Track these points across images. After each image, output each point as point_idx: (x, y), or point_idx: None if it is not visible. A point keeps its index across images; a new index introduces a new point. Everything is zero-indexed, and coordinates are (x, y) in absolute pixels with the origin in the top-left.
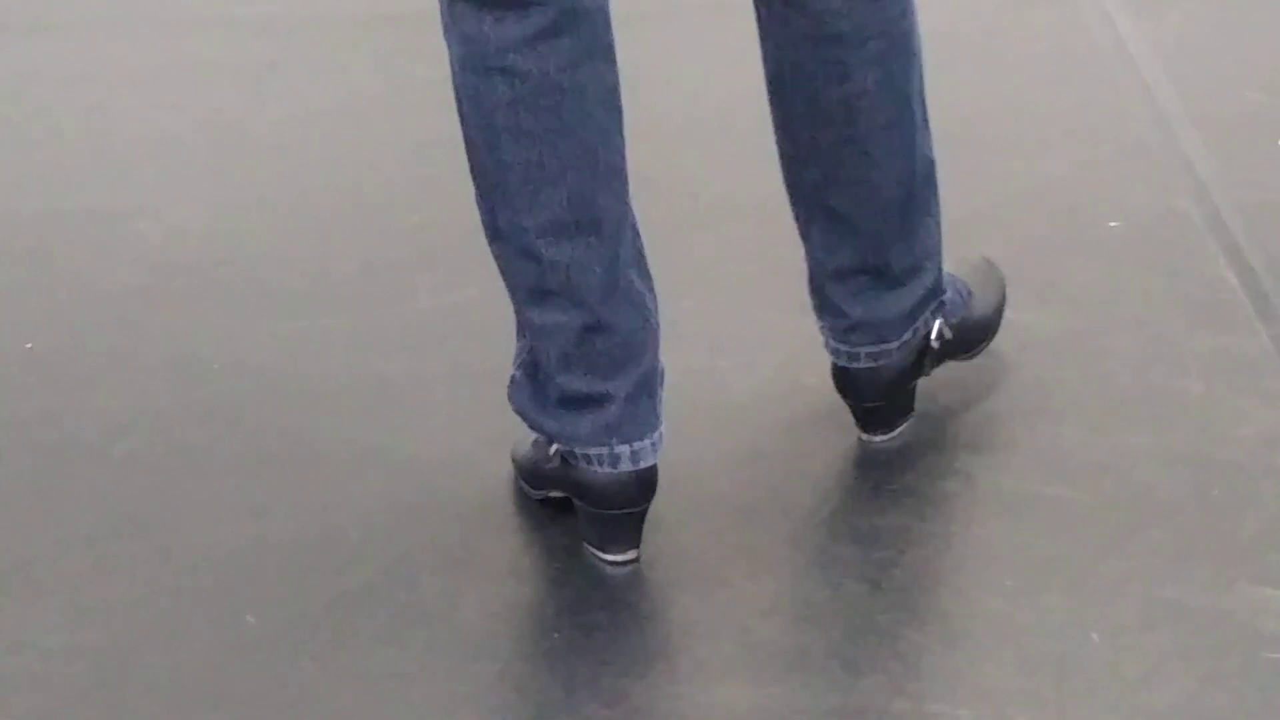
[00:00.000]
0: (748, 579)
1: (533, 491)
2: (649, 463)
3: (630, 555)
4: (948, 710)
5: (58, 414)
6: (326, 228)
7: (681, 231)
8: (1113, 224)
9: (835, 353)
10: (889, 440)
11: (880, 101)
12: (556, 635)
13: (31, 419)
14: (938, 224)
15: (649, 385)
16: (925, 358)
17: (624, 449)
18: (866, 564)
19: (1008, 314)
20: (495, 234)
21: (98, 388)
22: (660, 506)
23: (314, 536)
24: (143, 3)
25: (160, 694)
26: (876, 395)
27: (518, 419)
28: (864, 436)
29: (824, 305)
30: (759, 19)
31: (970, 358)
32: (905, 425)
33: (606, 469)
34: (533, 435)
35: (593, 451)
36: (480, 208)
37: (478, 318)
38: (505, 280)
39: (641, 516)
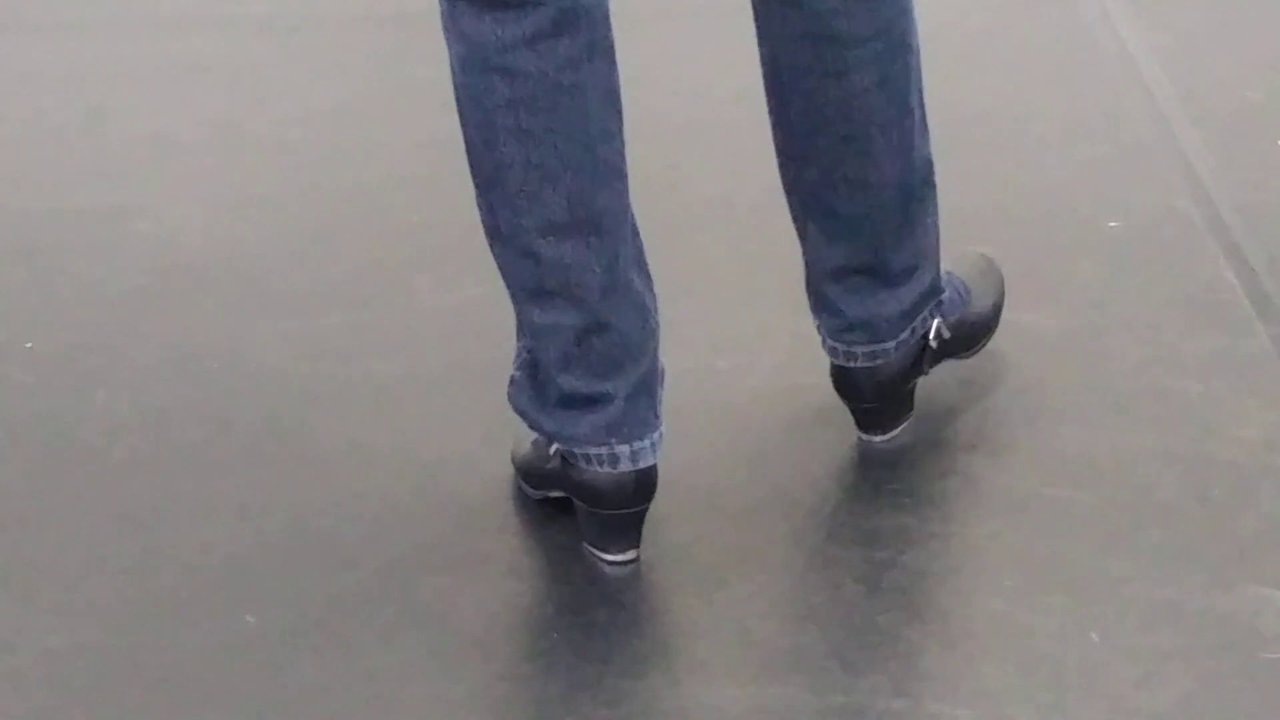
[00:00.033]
0: (747, 579)
1: (532, 491)
2: (649, 463)
3: (630, 555)
4: (947, 710)
5: (57, 414)
6: (326, 228)
7: (681, 231)
8: (1112, 224)
9: (832, 352)
10: (888, 440)
11: (878, 101)
12: (556, 635)
13: (30, 419)
14: (936, 224)
15: (649, 385)
16: (923, 358)
17: (624, 449)
18: (866, 564)
19: (1007, 314)
20: (495, 234)
21: (97, 387)
22: (660, 506)
23: (313, 536)
24: (142, 3)
25: (159, 694)
26: (874, 396)
27: (518, 419)
28: (863, 437)
29: (821, 304)
30: (756, 18)
31: (969, 356)
32: (905, 425)
33: (606, 469)
34: (533, 435)
35: (592, 451)
36: (480, 207)
37: (478, 318)
38: (505, 280)
39: (641, 516)
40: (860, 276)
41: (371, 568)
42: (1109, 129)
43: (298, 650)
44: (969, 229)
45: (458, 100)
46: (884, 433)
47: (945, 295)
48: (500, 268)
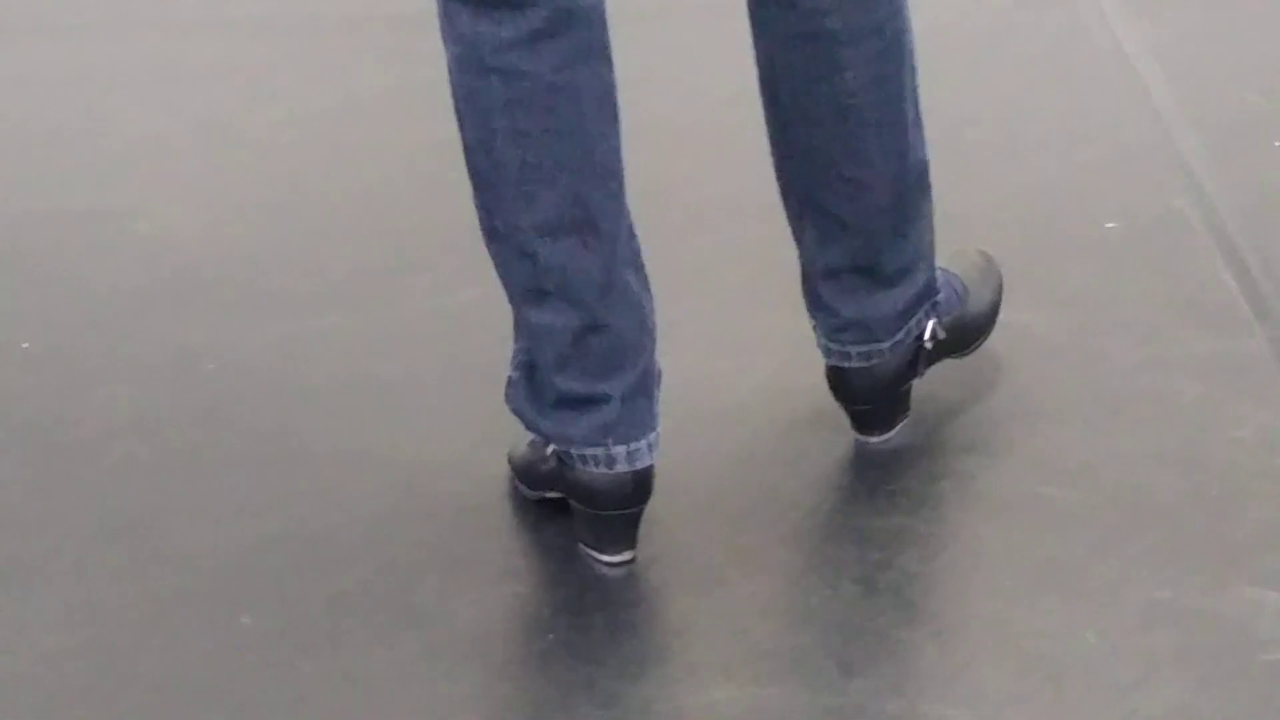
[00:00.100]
0: (744, 580)
1: (529, 492)
2: (645, 463)
3: (626, 556)
4: (943, 711)
5: (54, 414)
6: (324, 228)
7: (680, 232)
8: (1110, 225)
9: (827, 352)
10: (885, 441)
11: (872, 101)
12: (552, 636)
13: (28, 419)
14: (930, 225)
15: (646, 386)
16: (919, 359)
17: (620, 450)
18: (863, 565)
19: (1004, 315)
20: (492, 234)
21: (94, 388)
22: (656, 507)
23: (310, 537)
24: (141, 4)
25: (156, 694)
26: (870, 396)
27: (515, 419)
28: (860, 438)
29: (816, 303)
30: (751, 18)
31: (966, 355)
32: (901, 426)
33: (603, 469)
34: (529, 436)
35: (589, 452)
36: (477, 208)
37: (475, 319)
38: (502, 281)
39: (638, 517)
40: (855, 276)
41: (368, 569)
42: (1107, 130)
43: (294, 651)
44: (966, 230)
45: (455, 101)
46: (881, 434)
47: (941, 296)
48: (497, 268)
